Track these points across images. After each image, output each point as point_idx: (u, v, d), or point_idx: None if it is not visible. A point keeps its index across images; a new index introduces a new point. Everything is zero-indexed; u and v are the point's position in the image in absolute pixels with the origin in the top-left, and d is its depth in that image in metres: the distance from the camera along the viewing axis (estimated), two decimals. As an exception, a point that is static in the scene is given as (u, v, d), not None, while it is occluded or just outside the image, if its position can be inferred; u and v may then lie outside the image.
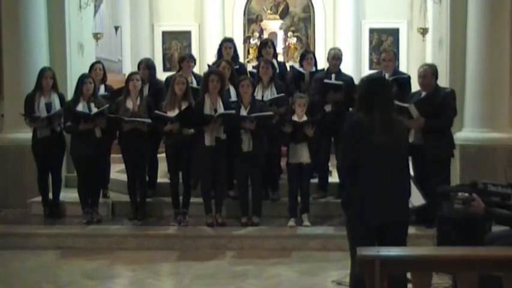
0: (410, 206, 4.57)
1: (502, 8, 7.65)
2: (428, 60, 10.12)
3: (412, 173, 5.87)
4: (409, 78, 7.39)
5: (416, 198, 4.79)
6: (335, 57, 7.70)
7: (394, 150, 4.13)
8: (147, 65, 7.85)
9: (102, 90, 7.87)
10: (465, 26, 7.86)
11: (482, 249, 3.96)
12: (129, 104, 7.18)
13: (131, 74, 7.40)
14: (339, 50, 7.90)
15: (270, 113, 7.04)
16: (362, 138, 4.12)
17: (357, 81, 7.84)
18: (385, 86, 4.37)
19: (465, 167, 7.56)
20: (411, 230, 6.01)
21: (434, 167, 6.52)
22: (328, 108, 7.50)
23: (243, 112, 6.99)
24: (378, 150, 4.07)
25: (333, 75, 7.61)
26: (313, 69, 7.87)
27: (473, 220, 4.70)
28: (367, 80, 4.49)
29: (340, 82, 7.47)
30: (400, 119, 4.56)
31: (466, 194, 4.29)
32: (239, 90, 7.16)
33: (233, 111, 6.96)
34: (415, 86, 7.13)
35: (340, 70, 7.74)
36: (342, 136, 4.45)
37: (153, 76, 7.88)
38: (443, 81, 7.55)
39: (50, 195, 7.61)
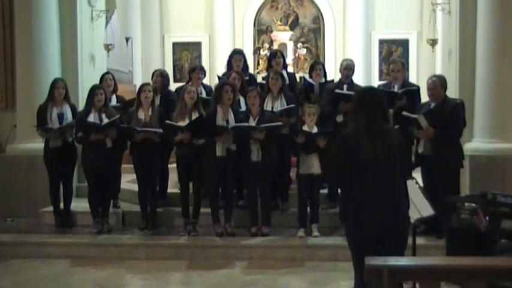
0: (417, 216, 4.57)
1: (511, 19, 7.65)
2: (438, 70, 10.13)
3: (421, 183, 5.88)
4: (418, 89, 7.40)
5: (425, 209, 4.81)
6: (347, 67, 7.72)
7: (386, 159, 4.07)
8: (161, 73, 7.94)
9: (113, 100, 7.94)
10: (474, 36, 7.87)
11: (490, 259, 3.96)
12: (141, 114, 7.23)
13: (143, 85, 7.44)
14: (351, 61, 7.92)
15: (279, 123, 7.08)
16: (351, 148, 4.11)
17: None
18: (373, 95, 4.33)
19: (475, 177, 7.53)
20: (420, 240, 6.06)
21: (444, 178, 6.52)
22: (339, 118, 7.50)
23: (252, 123, 7.03)
24: (367, 159, 4.04)
25: (345, 86, 7.62)
26: (323, 80, 7.90)
27: (483, 231, 4.70)
28: (357, 91, 4.55)
29: (351, 92, 7.47)
30: (393, 128, 4.55)
31: (473, 205, 4.30)
32: (246, 101, 7.21)
33: (247, 124, 7.00)
34: (424, 97, 7.15)
35: (352, 81, 7.75)
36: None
37: (165, 86, 7.94)
38: (452, 92, 7.55)
39: (61, 205, 7.67)
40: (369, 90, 4.54)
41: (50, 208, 7.72)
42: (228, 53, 8.43)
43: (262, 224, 7.14)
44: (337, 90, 7.48)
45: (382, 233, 4.07)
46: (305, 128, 7.00)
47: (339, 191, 7.46)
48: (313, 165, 7.00)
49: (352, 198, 4.14)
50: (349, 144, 4.14)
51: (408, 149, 6.04)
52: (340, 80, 7.81)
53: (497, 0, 7.63)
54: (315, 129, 7.00)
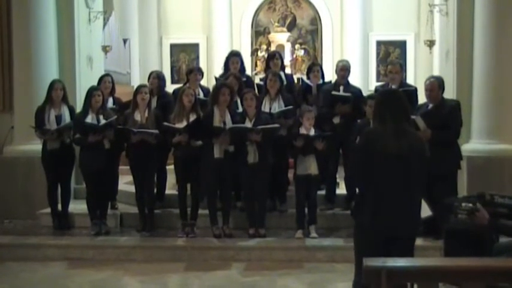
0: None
1: (508, 20, 7.66)
2: (436, 72, 10.14)
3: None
4: (415, 90, 7.41)
5: (423, 210, 4.81)
6: (343, 68, 7.72)
7: (407, 160, 4.14)
8: (157, 75, 7.94)
9: (110, 102, 7.92)
10: (472, 37, 7.89)
11: (489, 260, 3.96)
12: (137, 116, 7.23)
13: (139, 87, 7.44)
14: (347, 62, 7.93)
15: (276, 125, 7.08)
16: (374, 146, 4.18)
17: (365, 93, 7.92)
18: (396, 96, 4.45)
19: (472, 178, 7.55)
20: (418, 241, 6.04)
21: (441, 179, 6.51)
22: (336, 120, 7.52)
23: (248, 124, 7.03)
24: (389, 159, 4.11)
25: (341, 87, 7.63)
26: (320, 81, 7.90)
27: (481, 231, 4.70)
28: (380, 92, 4.71)
29: (348, 94, 7.49)
30: (417, 133, 4.62)
31: (470, 205, 4.30)
32: (243, 103, 7.21)
33: (244, 125, 7.00)
34: (422, 98, 7.15)
35: (348, 82, 7.76)
36: (354, 146, 4.52)
37: (162, 88, 7.94)
38: (450, 93, 7.57)
39: (59, 207, 7.66)
40: (393, 91, 4.68)
41: (48, 210, 7.70)
42: (226, 54, 8.44)
43: (258, 226, 7.13)
44: (333, 92, 7.49)
45: (396, 232, 4.15)
46: (302, 129, 7.01)
47: (337, 192, 7.61)
48: (311, 167, 7.00)
49: (371, 197, 4.19)
50: (373, 143, 4.20)
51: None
52: (336, 81, 7.81)
53: (495, 1, 7.65)
54: (312, 131, 7.01)
